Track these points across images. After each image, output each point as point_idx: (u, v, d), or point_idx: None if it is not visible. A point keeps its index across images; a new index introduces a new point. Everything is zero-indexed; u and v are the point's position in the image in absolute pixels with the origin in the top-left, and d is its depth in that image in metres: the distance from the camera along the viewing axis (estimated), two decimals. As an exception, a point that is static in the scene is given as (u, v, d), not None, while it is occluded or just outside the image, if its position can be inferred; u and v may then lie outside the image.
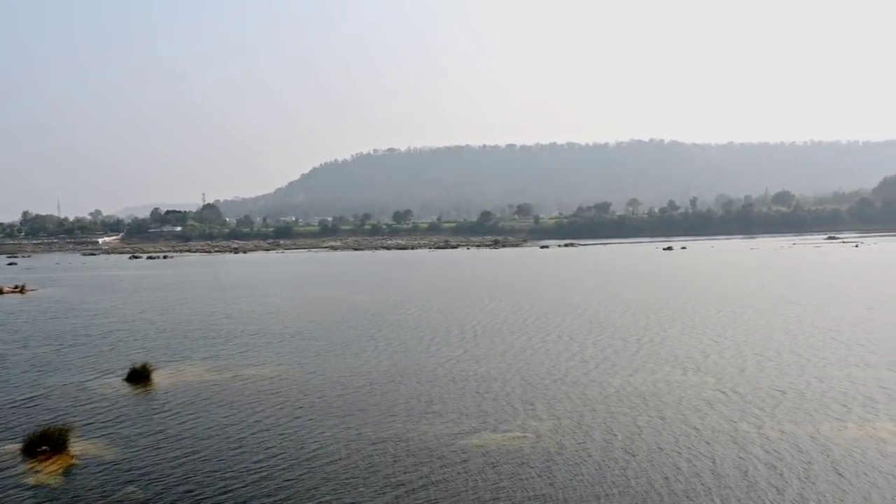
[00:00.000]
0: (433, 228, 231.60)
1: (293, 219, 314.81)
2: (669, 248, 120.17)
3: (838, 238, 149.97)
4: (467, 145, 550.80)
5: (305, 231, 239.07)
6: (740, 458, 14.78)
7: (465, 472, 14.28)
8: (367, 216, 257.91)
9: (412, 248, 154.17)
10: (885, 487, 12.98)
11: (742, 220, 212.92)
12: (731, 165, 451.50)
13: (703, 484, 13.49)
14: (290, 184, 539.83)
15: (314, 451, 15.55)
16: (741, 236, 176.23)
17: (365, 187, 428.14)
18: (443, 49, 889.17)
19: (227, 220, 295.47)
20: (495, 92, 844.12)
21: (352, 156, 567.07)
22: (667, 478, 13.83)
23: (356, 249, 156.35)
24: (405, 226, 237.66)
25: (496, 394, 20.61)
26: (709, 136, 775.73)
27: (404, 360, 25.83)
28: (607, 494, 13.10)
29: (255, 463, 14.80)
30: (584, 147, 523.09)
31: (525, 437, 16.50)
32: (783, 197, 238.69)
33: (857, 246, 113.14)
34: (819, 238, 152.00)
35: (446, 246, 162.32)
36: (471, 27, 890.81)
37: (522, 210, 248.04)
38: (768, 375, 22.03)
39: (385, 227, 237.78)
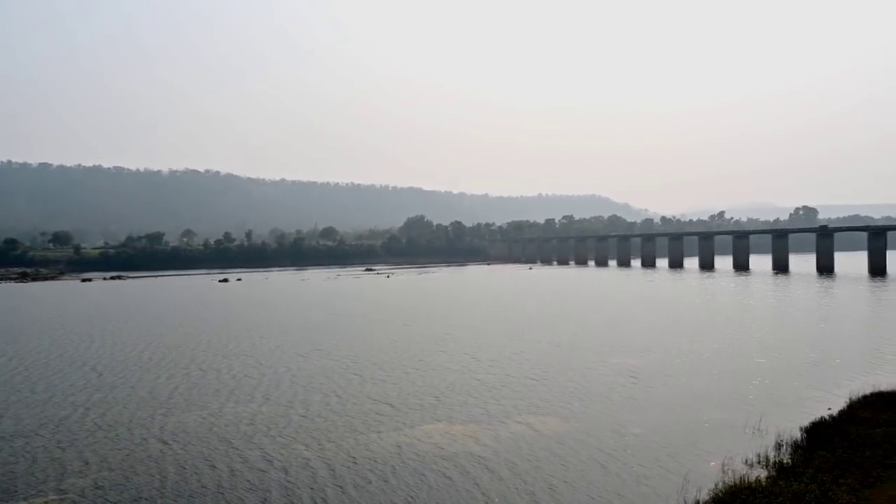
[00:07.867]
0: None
1: None
2: (225, 280, 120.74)
3: (374, 270, 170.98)
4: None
5: None
6: (287, 480, 16.29)
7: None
8: None
9: None
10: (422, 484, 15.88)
11: (294, 252, 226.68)
12: (284, 201, 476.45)
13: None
14: None
15: None
16: (294, 268, 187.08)
17: None
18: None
19: None
20: (18, 94, 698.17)
21: None
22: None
23: None
24: None
25: (24, 454, 18.38)
26: (263, 171, 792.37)
27: None
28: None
29: None
30: (135, 172, 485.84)
31: (61, 499, 15.24)
32: (329, 232, 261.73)
33: (388, 277, 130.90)
34: (359, 269, 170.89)
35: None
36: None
37: (60, 238, 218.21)
38: (304, 401, 24.44)
39: None
